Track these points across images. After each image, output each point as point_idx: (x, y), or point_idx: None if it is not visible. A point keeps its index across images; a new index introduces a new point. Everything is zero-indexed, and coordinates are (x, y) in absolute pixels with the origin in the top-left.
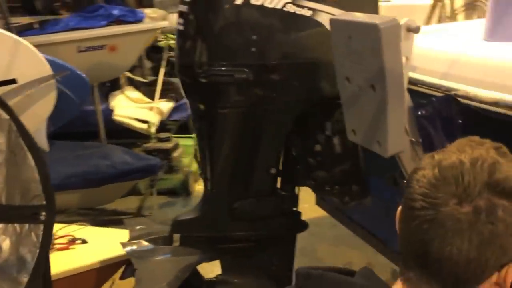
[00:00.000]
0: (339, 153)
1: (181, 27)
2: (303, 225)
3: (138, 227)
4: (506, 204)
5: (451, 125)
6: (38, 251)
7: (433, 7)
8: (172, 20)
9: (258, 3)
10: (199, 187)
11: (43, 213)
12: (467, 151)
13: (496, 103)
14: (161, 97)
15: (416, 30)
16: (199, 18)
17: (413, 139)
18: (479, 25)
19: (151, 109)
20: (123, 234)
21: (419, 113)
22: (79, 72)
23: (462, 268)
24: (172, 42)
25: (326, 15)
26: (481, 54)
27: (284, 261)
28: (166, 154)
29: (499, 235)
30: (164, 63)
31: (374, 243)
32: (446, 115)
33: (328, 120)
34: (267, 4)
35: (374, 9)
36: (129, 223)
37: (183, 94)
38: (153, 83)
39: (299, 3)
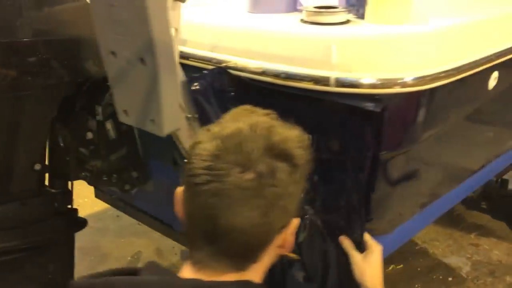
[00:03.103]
0: (114, 138)
1: None
2: (81, 223)
3: None
4: (283, 166)
5: (224, 98)
6: None
7: None
8: None
9: None
10: None
11: None
12: (243, 119)
13: (263, 72)
14: None
15: None
16: None
17: (189, 115)
18: None
19: None
20: None
21: (192, 87)
22: None
23: (250, 235)
24: None
25: None
26: (246, 25)
27: (63, 267)
28: None
29: (281, 196)
30: None
31: (159, 228)
32: (219, 87)
33: (98, 103)
34: None
35: None
36: None
37: None
38: None
39: None
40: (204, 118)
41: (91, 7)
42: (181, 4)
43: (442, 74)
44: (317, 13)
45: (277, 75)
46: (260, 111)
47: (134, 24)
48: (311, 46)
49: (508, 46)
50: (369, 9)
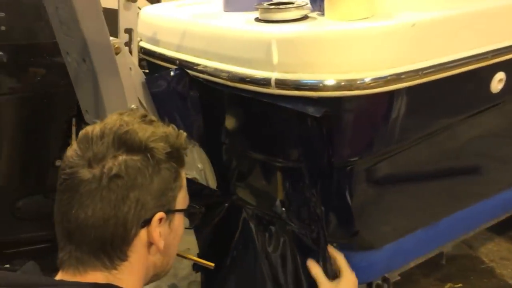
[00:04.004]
0: None
1: None
2: None
3: None
4: (134, 159)
5: (186, 98)
6: None
7: None
8: None
9: None
10: None
11: None
12: (108, 120)
13: (213, 74)
14: None
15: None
16: None
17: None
18: None
19: None
20: None
21: (153, 89)
22: None
23: (101, 230)
24: None
25: None
26: (203, 24)
27: None
28: None
29: (130, 189)
30: None
31: None
32: (181, 88)
33: None
34: None
35: None
36: None
37: None
38: None
39: None
40: (167, 119)
41: (46, 8)
42: (135, 4)
43: (403, 76)
44: (269, 10)
45: (223, 76)
46: (137, 113)
47: (73, 25)
48: (254, 45)
49: None
50: (326, 5)
